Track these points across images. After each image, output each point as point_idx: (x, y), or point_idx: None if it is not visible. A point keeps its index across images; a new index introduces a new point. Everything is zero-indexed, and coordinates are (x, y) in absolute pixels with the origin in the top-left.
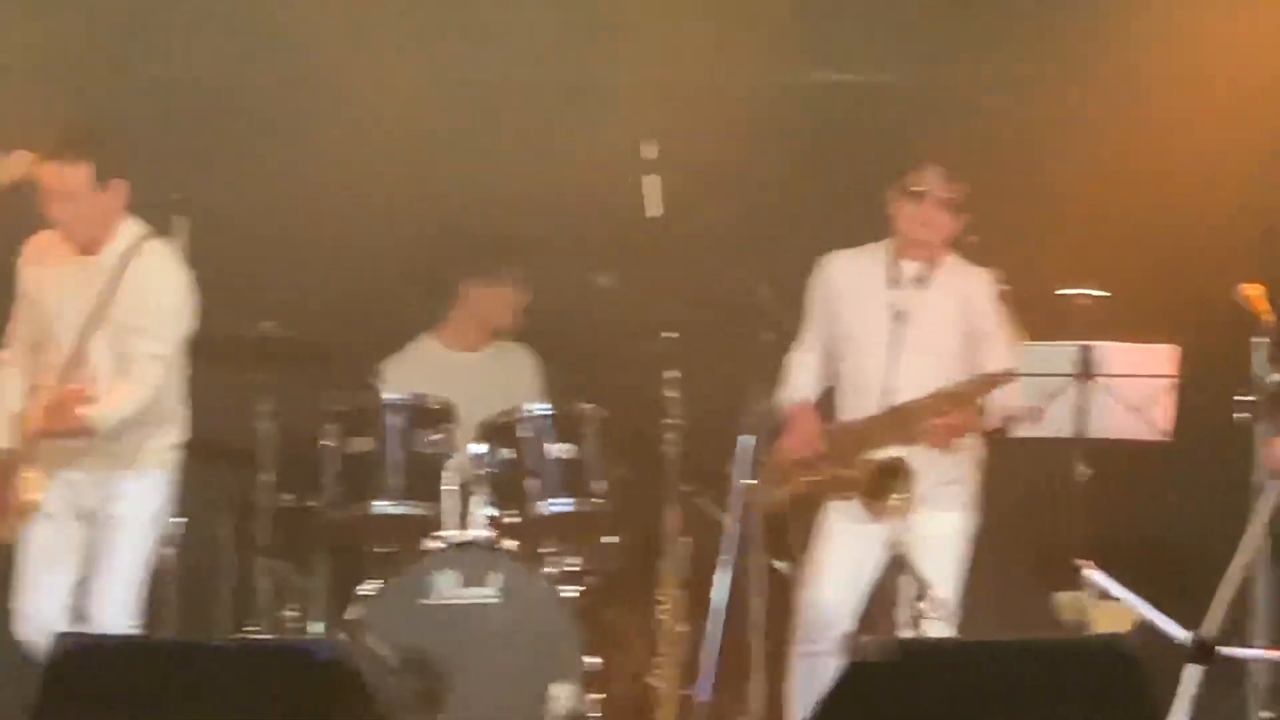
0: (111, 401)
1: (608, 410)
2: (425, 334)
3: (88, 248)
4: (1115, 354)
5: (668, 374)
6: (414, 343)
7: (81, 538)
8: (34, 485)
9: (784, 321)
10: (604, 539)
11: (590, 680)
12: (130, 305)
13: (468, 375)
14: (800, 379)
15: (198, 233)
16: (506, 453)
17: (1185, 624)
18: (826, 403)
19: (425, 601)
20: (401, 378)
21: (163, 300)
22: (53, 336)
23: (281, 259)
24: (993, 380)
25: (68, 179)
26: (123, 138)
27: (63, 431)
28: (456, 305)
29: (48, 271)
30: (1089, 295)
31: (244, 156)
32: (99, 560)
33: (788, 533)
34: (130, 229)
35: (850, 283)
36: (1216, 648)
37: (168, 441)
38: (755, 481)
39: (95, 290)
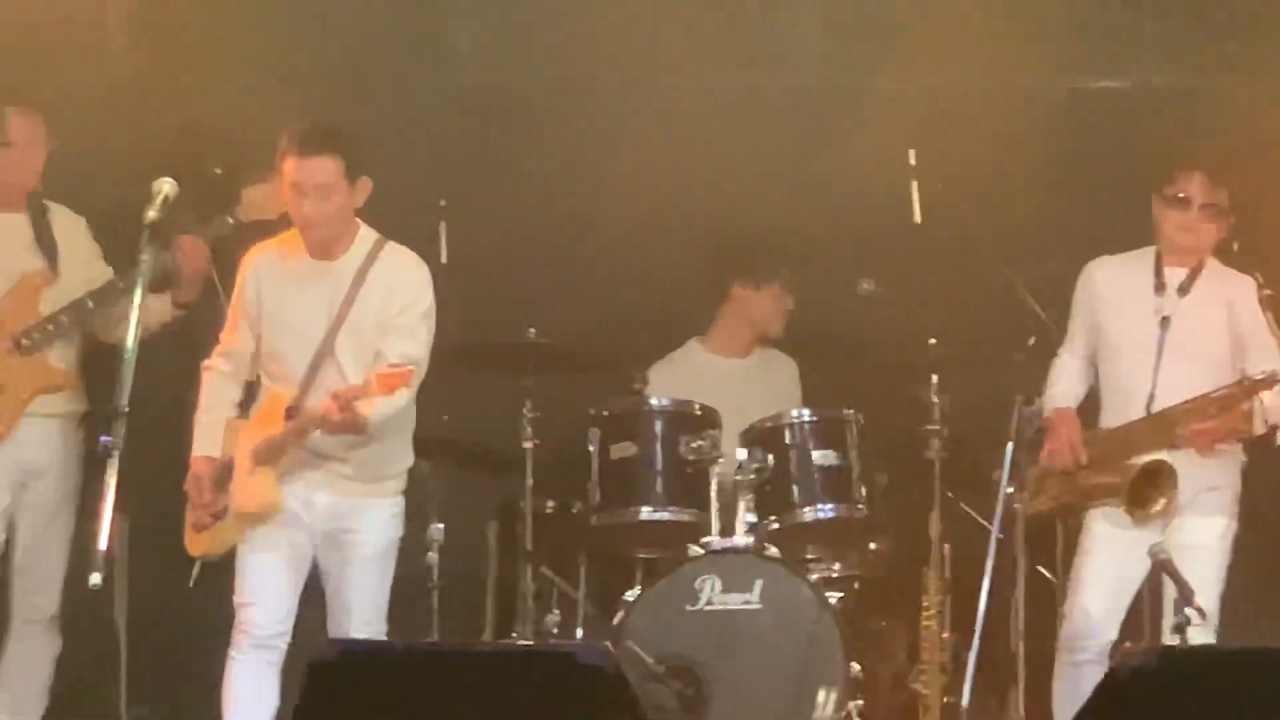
0: (378, 401)
1: (871, 416)
2: (694, 339)
3: (327, 251)
4: None
5: (931, 379)
6: (682, 348)
7: (315, 555)
8: (269, 489)
9: (1047, 327)
10: (867, 545)
11: (853, 687)
12: (378, 308)
13: (734, 381)
14: (1063, 385)
15: (463, 239)
16: (770, 459)
17: None
18: (1089, 408)
19: (689, 608)
20: (668, 383)
21: (416, 302)
22: (288, 343)
23: (546, 265)
24: (1257, 385)
25: (318, 172)
26: (369, 138)
27: (339, 426)
28: (725, 309)
29: (282, 278)
30: None
31: (507, 164)
32: (342, 585)
33: (1052, 539)
34: (367, 233)
35: (1115, 289)
36: None
37: (406, 464)
38: (1018, 488)
39: (338, 294)
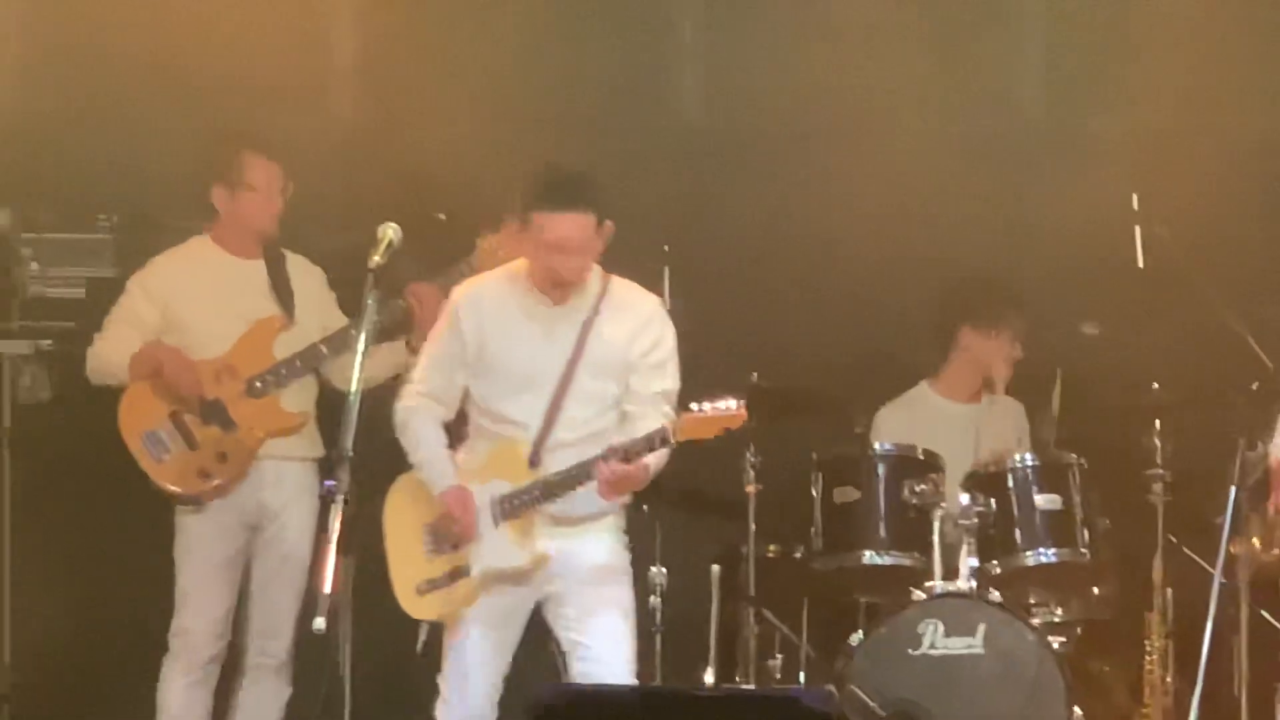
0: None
1: (1093, 460)
2: (925, 381)
3: (563, 295)
4: None
5: (1154, 423)
6: (914, 390)
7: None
8: (531, 543)
9: (1271, 371)
10: (1089, 589)
11: None
12: (622, 347)
13: (961, 425)
14: None
15: (686, 283)
16: (992, 503)
17: None
18: None
19: (912, 652)
20: (899, 424)
21: (662, 338)
22: (518, 387)
23: (768, 308)
24: None
25: (574, 229)
26: (609, 183)
27: (628, 484)
28: (955, 354)
29: (509, 320)
30: None
31: (729, 208)
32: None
33: (1276, 584)
34: (595, 269)
35: None
36: None
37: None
38: (1241, 532)
39: (572, 335)
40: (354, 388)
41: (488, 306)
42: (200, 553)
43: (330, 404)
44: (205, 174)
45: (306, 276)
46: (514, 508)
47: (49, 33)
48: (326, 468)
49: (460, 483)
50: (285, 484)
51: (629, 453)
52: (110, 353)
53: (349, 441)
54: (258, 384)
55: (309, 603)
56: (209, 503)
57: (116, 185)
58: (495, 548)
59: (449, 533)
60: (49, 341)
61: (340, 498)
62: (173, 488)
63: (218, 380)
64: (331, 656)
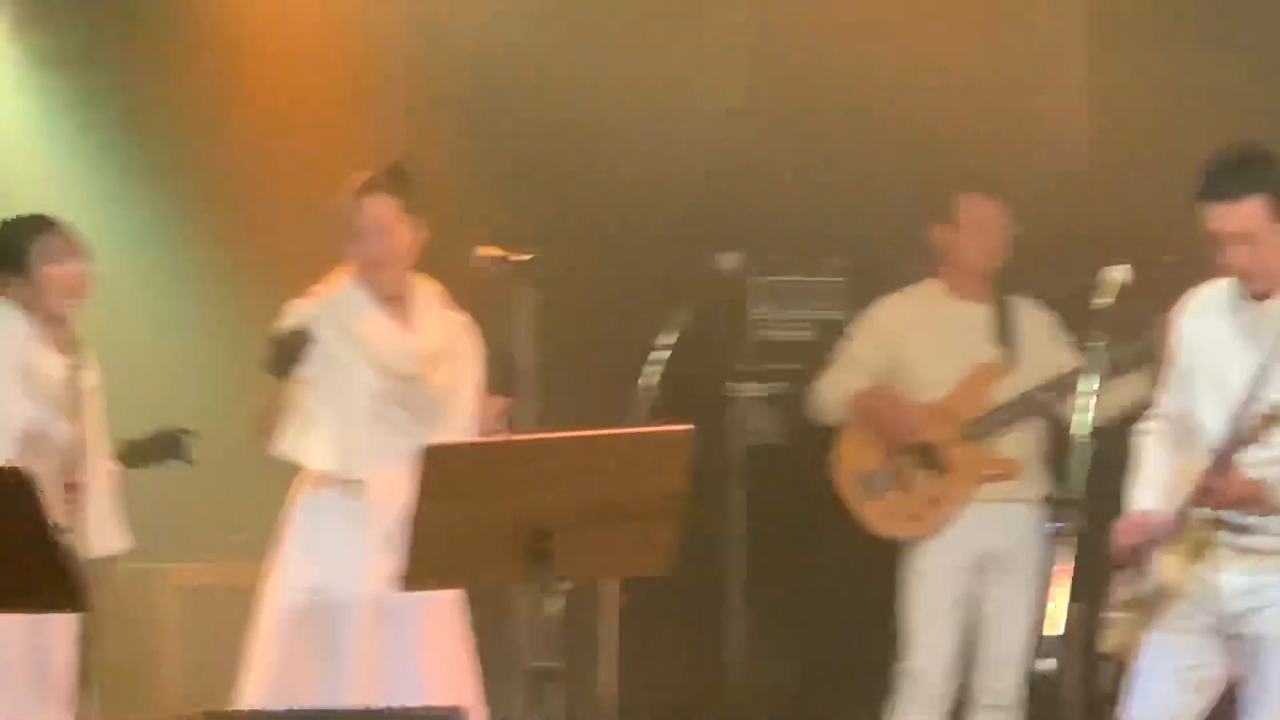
0: None
1: None
2: None
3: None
4: None
5: None
6: None
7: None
8: (1174, 570)
9: None
10: None
11: None
12: None
13: None
14: None
15: None
16: None
17: None
18: None
19: None
20: None
21: None
22: (1212, 399)
23: None
24: None
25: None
26: None
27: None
28: None
29: (1218, 325)
30: None
31: None
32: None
33: None
34: None
35: None
36: None
37: None
38: None
39: (1267, 342)
40: (1085, 430)
41: (1195, 309)
42: (927, 595)
43: (1060, 443)
44: (926, 216)
45: (1033, 321)
46: (1172, 529)
47: (772, 79)
48: (1055, 509)
49: (1139, 509)
50: (1011, 526)
51: None
52: (833, 392)
53: (1078, 483)
54: (974, 430)
55: (1037, 644)
56: (933, 545)
57: (844, 229)
58: (1153, 574)
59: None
60: (779, 384)
61: (1069, 539)
62: (882, 530)
63: (934, 424)
64: (1059, 698)
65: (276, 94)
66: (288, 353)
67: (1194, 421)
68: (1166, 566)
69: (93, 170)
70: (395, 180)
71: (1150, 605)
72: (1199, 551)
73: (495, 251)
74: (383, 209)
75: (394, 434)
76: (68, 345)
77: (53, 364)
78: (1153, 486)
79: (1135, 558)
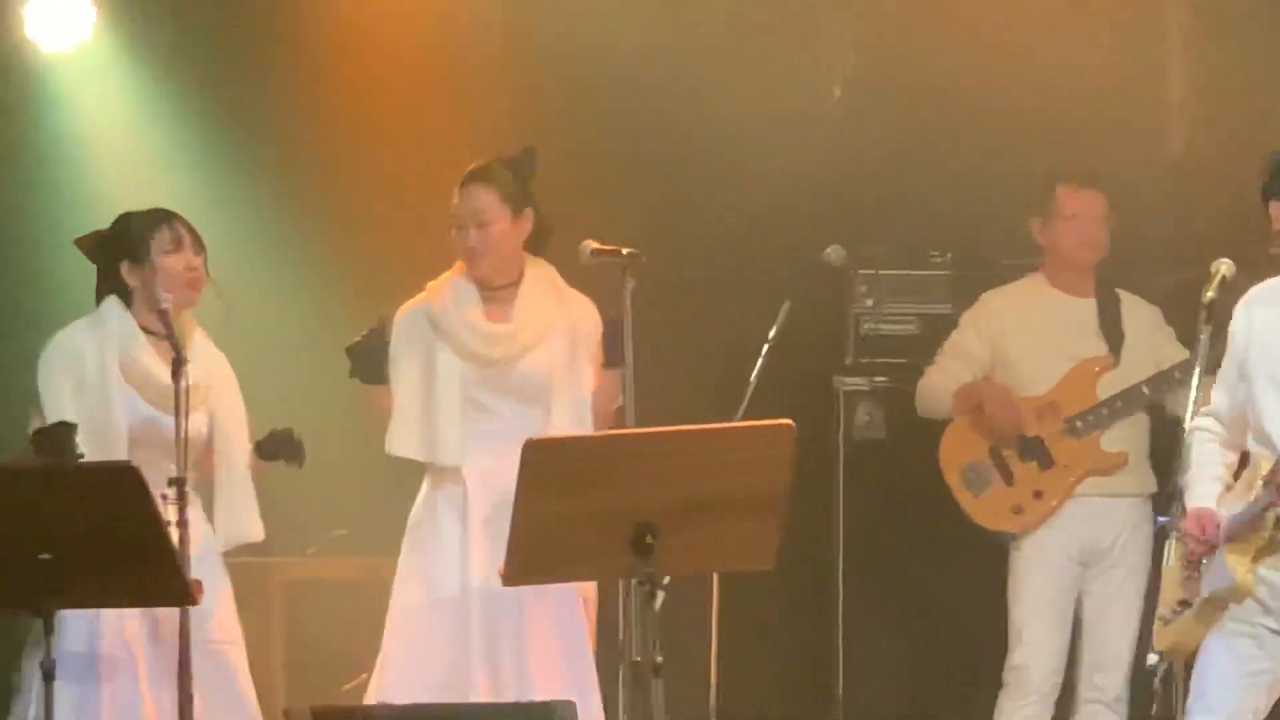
0: None
1: None
2: None
3: None
4: None
5: None
6: None
7: None
8: (1239, 571)
9: None
10: None
11: None
12: None
13: None
14: None
15: None
16: None
17: None
18: None
19: None
20: None
21: None
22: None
23: None
24: None
25: None
26: None
27: None
28: None
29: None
30: None
31: None
32: None
33: None
34: None
35: None
36: None
37: None
38: None
39: None
40: (1187, 422)
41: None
42: (1032, 589)
43: (1166, 437)
44: (1025, 211)
45: (1139, 315)
46: (1232, 531)
47: (878, 72)
48: (1161, 503)
49: (1207, 505)
50: (1116, 521)
51: None
52: (937, 387)
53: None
54: (1078, 424)
55: (1144, 638)
56: (1038, 539)
57: (949, 222)
58: (1211, 573)
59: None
60: (883, 378)
61: (1174, 534)
62: (985, 523)
63: (1039, 418)
64: (1166, 693)
65: (384, 86)
66: (365, 356)
67: (1253, 416)
68: (1232, 565)
69: (198, 168)
70: (496, 171)
71: (1213, 605)
72: (1266, 550)
73: (600, 245)
74: (481, 199)
75: (493, 420)
76: (180, 340)
77: (162, 361)
78: (1211, 482)
79: (1200, 555)
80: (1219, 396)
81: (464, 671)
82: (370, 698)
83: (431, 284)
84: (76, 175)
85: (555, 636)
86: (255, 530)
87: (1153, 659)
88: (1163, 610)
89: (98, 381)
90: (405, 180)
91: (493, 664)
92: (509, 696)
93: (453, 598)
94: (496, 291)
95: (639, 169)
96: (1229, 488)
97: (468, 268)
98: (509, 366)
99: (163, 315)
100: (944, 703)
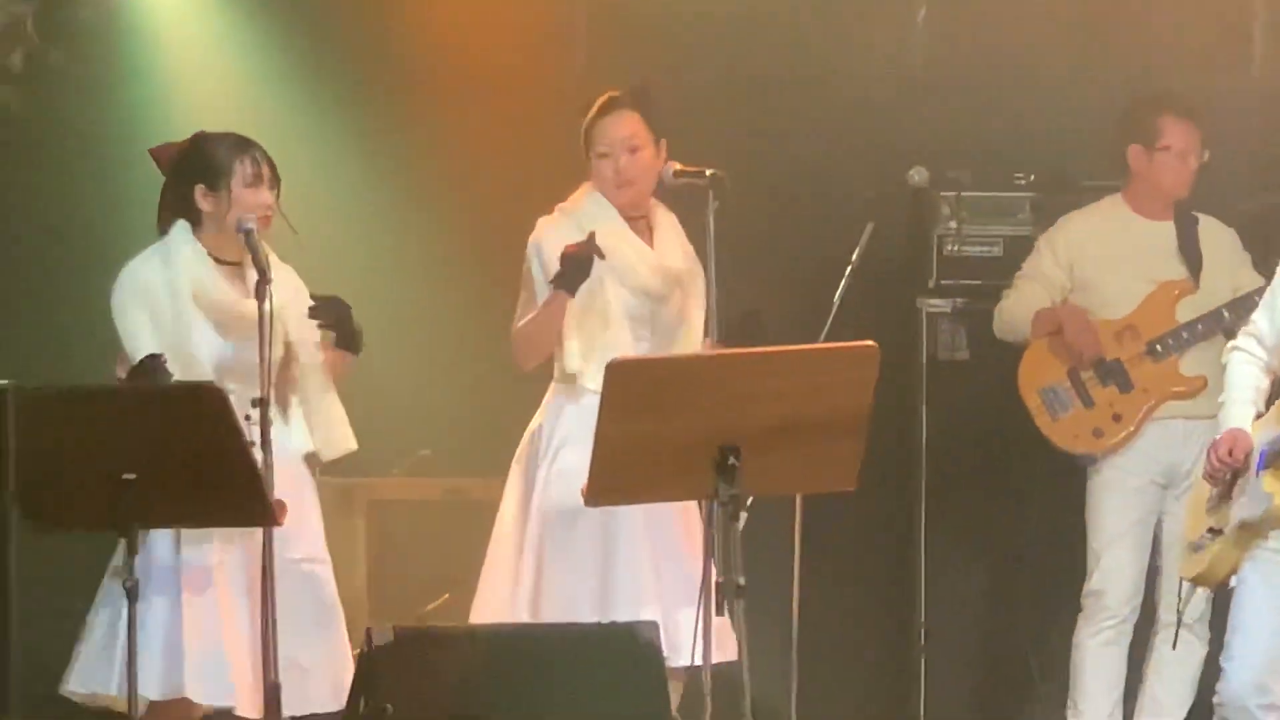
0: None
1: None
2: None
3: None
4: None
5: None
6: None
7: None
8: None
9: None
10: None
11: None
12: None
13: None
14: None
15: None
16: None
17: None
18: None
19: None
20: None
21: None
22: None
23: None
24: None
25: None
26: None
27: None
28: None
29: None
30: None
31: None
32: None
33: None
34: None
35: None
36: None
37: None
38: None
39: None
40: None
41: None
42: (1110, 513)
43: None
44: (1122, 135)
45: (1218, 239)
46: (1271, 459)
47: None
48: None
49: (1239, 426)
50: (1195, 443)
51: None
52: (1015, 310)
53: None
54: (1158, 347)
55: None
56: (1116, 462)
57: (1033, 144)
58: (1246, 499)
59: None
60: (964, 300)
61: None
62: (1063, 445)
63: (1118, 341)
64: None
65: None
66: (577, 266)
67: None
68: (1269, 490)
69: (306, 140)
70: (641, 98)
71: (1248, 531)
72: None
73: (684, 166)
74: (630, 124)
75: (640, 347)
76: (265, 263)
77: (232, 288)
78: (1246, 405)
79: (1231, 479)
80: (1261, 319)
81: (570, 590)
82: (474, 613)
83: (562, 205)
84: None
85: (664, 558)
86: (351, 438)
87: (1230, 582)
88: (1192, 538)
89: (173, 313)
90: (512, 148)
91: (602, 582)
92: (618, 617)
93: (563, 513)
94: (631, 223)
95: (724, 92)
96: (1259, 415)
97: (614, 194)
98: (660, 297)
99: (248, 237)
100: (1024, 625)
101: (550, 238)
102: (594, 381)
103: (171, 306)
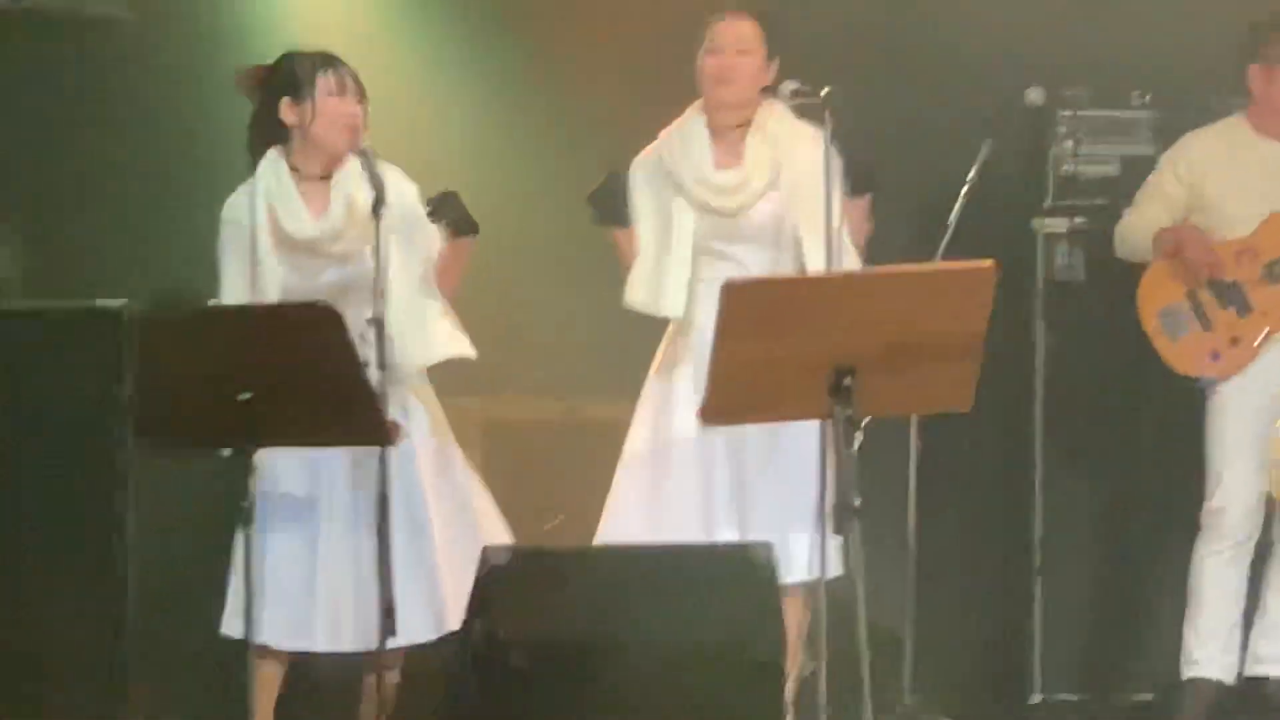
0: None
1: None
2: None
3: None
4: None
5: None
6: None
7: None
8: None
9: None
10: None
11: None
12: None
13: None
14: None
15: None
16: None
17: None
18: None
19: None
20: None
21: None
22: None
23: None
24: None
25: None
26: None
27: None
28: None
29: None
30: None
31: None
32: None
33: None
34: None
35: None
36: None
37: None
38: None
39: None
40: None
41: None
42: (1230, 433)
43: None
44: (1242, 55)
45: None
46: None
47: None
48: None
49: None
50: None
51: None
52: (1135, 230)
53: None
54: (1277, 269)
55: None
56: (1235, 384)
57: (1152, 62)
58: None
59: None
60: (1082, 219)
61: None
62: (1181, 368)
63: (1238, 263)
64: None
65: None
66: (608, 199)
67: None
68: None
69: (471, 126)
70: (761, 9)
71: None
72: None
73: (797, 85)
74: (745, 28)
75: (732, 266)
76: (379, 178)
77: (317, 204)
78: None
79: None
80: None
81: (688, 516)
82: (599, 538)
83: (664, 131)
84: None
85: (784, 481)
86: (467, 343)
87: None
88: (1277, 455)
89: (261, 251)
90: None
91: (721, 509)
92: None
93: (673, 439)
94: (728, 132)
95: (842, 9)
96: None
97: (712, 92)
98: (742, 215)
99: (364, 159)
100: (1144, 545)
101: (635, 174)
102: (653, 307)
103: (256, 244)
